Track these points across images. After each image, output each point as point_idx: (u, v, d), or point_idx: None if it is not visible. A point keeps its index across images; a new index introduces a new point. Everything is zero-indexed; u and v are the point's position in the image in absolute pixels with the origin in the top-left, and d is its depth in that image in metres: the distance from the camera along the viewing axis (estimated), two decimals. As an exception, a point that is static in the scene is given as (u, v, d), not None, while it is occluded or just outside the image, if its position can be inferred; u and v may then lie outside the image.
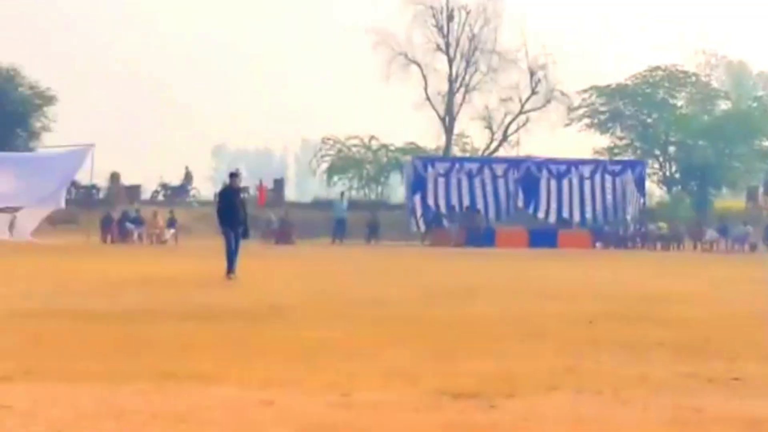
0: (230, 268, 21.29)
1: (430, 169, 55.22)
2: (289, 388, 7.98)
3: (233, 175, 23.45)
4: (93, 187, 55.98)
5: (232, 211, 21.95)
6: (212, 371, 8.72)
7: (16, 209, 44.34)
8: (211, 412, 7.07)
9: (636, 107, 69.99)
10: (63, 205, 44.92)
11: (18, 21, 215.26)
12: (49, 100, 63.97)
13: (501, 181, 54.79)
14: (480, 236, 49.86)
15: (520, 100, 70.09)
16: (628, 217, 54.72)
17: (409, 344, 10.80)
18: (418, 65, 69.69)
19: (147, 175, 67.60)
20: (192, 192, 61.15)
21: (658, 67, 70.55)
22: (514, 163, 56.90)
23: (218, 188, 44.14)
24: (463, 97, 70.17)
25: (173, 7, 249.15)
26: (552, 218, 54.84)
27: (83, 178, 51.56)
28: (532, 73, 69.50)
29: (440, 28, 69.66)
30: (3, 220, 44.27)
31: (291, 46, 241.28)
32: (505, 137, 70.53)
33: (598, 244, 50.94)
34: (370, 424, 6.84)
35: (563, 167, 55.71)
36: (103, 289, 17.97)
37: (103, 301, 15.53)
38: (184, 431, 6.58)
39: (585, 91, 70.16)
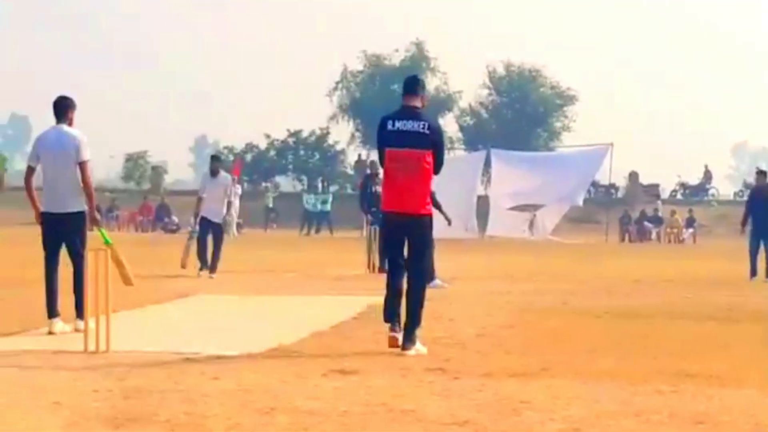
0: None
1: None
2: (812, 394, 7.67)
3: (762, 173, 22.62)
4: (612, 186, 56.39)
5: (761, 213, 21.35)
6: (730, 373, 8.55)
7: (536, 208, 45.53)
8: (729, 415, 6.93)
9: None
10: (580, 203, 45.53)
11: (543, 21, 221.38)
12: (570, 99, 65.07)
13: None
14: None
15: None
16: None
17: None
18: None
19: (665, 173, 67.21)
20: (711, 191, 60.01)
21: None
22: None
23: (737, 187, 43.06)
24: None
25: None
26: None
27: (602, 177, 52.08)
28: None
29: None
30: (523, 219, 45.59)
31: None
32: None
33: None
34: None
35: None
36: (621, 287, 18.04)
37: (621, 299, 15.61)
38: (702, 433, 6.50)
39: None
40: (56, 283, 11.05)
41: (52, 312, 10.90)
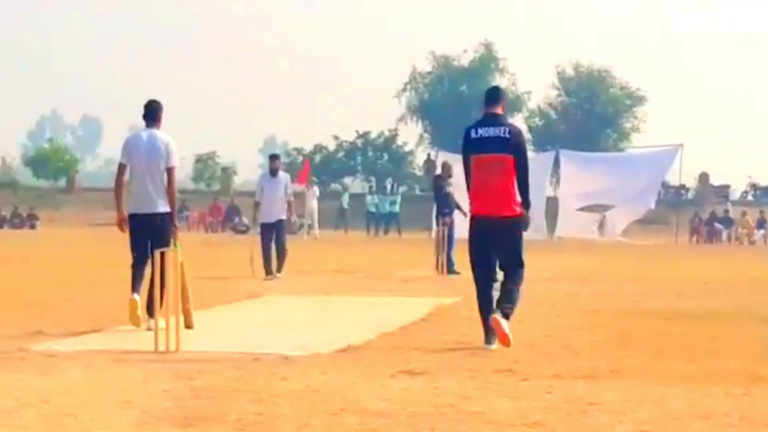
0: None
1: None
2: None
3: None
4: (682, 187, 55.90)
5: None
6: (801, 376, 8.45)
7: (605, 208, 45.22)
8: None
9: None
10: (652, 206, 45.18)
11: (612, 23, 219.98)
12: (640, 100, 64.65)
13: None
14: None
15: None
16: None
17: None
18: None
19: (736, 174, 66.49)
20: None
21: None
22: None
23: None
24: None
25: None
26: None
27: (672, 178, 51.66)
28: None
29: None
30: (592, 219, 45.31)
31: None
32: None
33: None
34: None
35: None
36: (690, 289, 17.86)
37: (690, 301, 15.46)
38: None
39: None
40: (142, 277, 11.23)
41: (135, 288, 11.12)
